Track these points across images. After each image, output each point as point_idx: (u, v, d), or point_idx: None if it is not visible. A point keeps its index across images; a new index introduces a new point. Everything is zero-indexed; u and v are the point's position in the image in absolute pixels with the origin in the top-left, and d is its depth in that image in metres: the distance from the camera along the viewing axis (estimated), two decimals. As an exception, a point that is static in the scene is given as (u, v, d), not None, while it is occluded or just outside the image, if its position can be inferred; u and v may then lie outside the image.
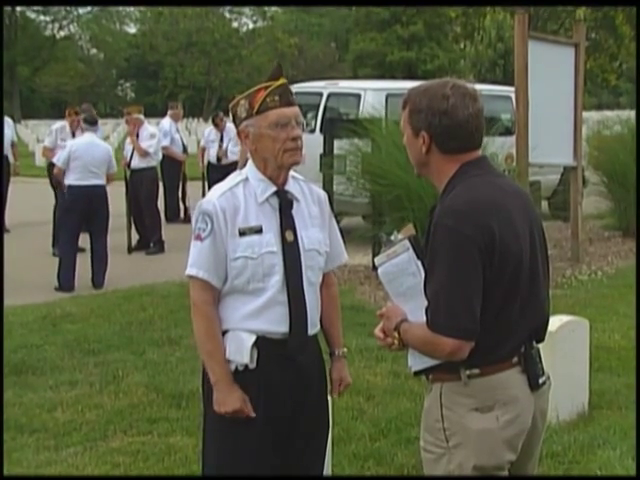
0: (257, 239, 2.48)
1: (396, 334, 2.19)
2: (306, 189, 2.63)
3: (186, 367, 5.18)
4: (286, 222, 2.52)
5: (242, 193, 2.51)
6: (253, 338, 2.48)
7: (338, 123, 9.00)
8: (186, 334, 5.69)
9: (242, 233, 2.47)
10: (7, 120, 10.10)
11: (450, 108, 2.15)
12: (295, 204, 2.55)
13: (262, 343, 2.49)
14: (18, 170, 10.98)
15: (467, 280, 2.07)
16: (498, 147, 7.64)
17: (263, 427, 2.50)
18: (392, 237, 2.24)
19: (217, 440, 2.57)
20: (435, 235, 2.11)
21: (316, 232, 2.58)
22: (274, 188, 2.52)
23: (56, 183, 8.68)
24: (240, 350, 2.48)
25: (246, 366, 2.49)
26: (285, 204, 2.53)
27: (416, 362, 2.24)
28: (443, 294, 2.08)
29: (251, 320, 2.50)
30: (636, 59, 22.73)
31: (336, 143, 8.61)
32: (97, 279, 7.84)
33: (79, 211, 7.82)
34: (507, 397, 2.17)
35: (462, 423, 2.15)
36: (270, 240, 2.49)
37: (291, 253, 2.50)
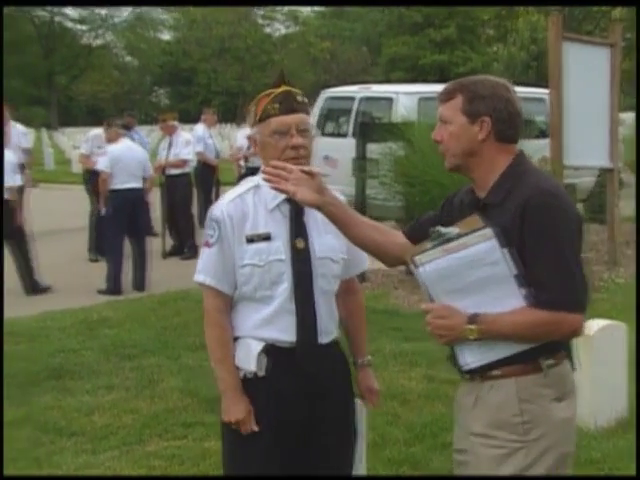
0: (265, 246, 2.44)
1: (472, 327, 2.14)
2: None
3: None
4: (297, 229, 2.47)
5: (252, 199, 2.49)
6: (261, 346, 2.46)
7: (371, 127, 9.00)
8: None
9: (250, 240, 2.44)
10: (21, 128, 10.09)
11: (512, 96, 2.24)
12: (307, 210, 2.46)
13: (271, 351, 2.46)
14: (33, 182, 10.66)
15: (579, 257, 2.16)
16: (532, 150, 7.56)
17: (272, 436, 2.46)
18: (446, 231, 2.18)
19: (228, 447, 2.57)
20: (537, 216, 2.11)
21: (330, 239, 2.50)
22: (285, 195, 2.42)
23: (96, 189, 8.77)
24: (248, 358, 2.46)
25: (255, 374, 2.46)
26: (296, 211, 2.47)
27: (476, 358, 2.19)
28: (565, 271, 2.10)
29: (261, 328, 2.47)
30: (636, 59, 22.30)
31: (369, 147, 8.60)
32: (140, 282, 7.98)
33: (124, 214, 7.95)
34: (572, 384, 2.25)
35: (546, 415, 2.16)
36: (279, 248, 2.45)
37: (301, 261, 2.45)
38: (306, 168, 2.27)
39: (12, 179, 7.74)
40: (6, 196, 7.67)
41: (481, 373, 2.21)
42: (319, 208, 2.28)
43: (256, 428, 2.45)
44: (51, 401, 4.84)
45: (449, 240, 2.16)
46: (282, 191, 2.27)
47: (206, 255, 2.48)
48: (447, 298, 2.19)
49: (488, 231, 2.13)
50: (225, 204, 2.48)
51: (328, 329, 2.52)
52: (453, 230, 2.18)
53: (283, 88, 2.48)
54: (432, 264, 2.17)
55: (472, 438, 2.22)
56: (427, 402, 4.69)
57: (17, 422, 4.52)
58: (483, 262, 2.13)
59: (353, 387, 2.66)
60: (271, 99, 2.47)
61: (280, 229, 2.46)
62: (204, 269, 2.48)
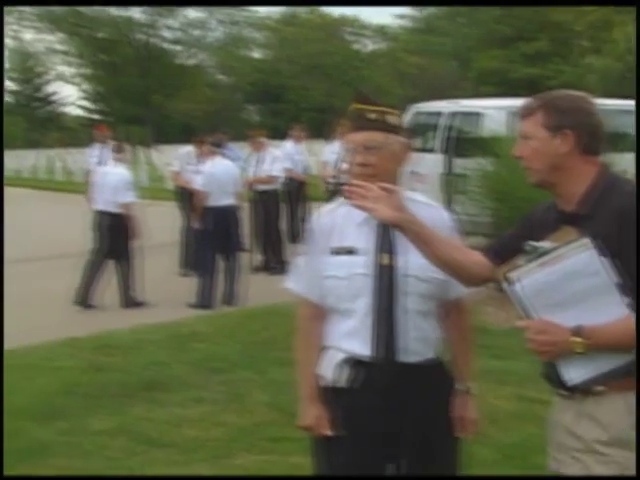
0: (348, 260, 2.48)
1: (578, 339, 2.09)
2: (423, 211, 2.50)
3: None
4: (383, 244, 2.47)
5: (343, 213, 2.54)
6: (341, 357, 2.49)
7: (459, 142, 8.93)
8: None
9: (335, 252, 2.50)
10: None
11: (593, 108, 2.21)
12: None
13: (351, 363, 2.48)
14: None
15: None
16: (627, 164, 7.35)
17: (349, 448, 2.49)
18: (540, 245, 2.14)
19: (312, 455, 2.64)
20: (636, 224, 2.09)
21: (420, 257, 2.41)
22: None
23: (188, 205, 8.99)
24: (329, 367, 2.52)
25: (335, 384, 2.50)
26: (384, 226, 2.45)
27: (580, 373, 2.13)
28: None
29: (343, 339, 2.51)
30: (636, 59, 21.57)
31: (457, 162, 8.53)
32: (229, 297, 8.13)
33: (217, 230, 8.12)
34: None
35: None
36: (362, 262, 2.46)
37: (383, 277, 2.45)
38: (385, 185, 2.28)
39: (127, 196, 8.05)
40: (121, 211, 8.00)
41: (583, 389, 2.15)
42: (397, 226, 2.27)
43: (328, 432, 2.50)
44: (143, 412, 4.96)
45: (544, 254, 2.12)
46: (361, 208, 2.28)
47: (299, 263, 2.62)
48: (546, 313, 2.13)
49: (586, 241, 2.09)
50: (320, 216, 2.59)
51: (414, 349, 2.48)
52: (547, 244, 2.14)
53: (355, 106, 2.51)
54: (529, 279, 2.13)
55: (578, 455, 2.16)
56: (517, 422, 4.60)
57: (111, 431, 4.65)
58: (583, 273, 2.10)
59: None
60: (347, 117, 2.54)
61: (367, 243, 2.48)
62: (294, 277, 2.64)
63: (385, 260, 2.46)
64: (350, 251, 2.48)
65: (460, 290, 2.57)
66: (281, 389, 5.27)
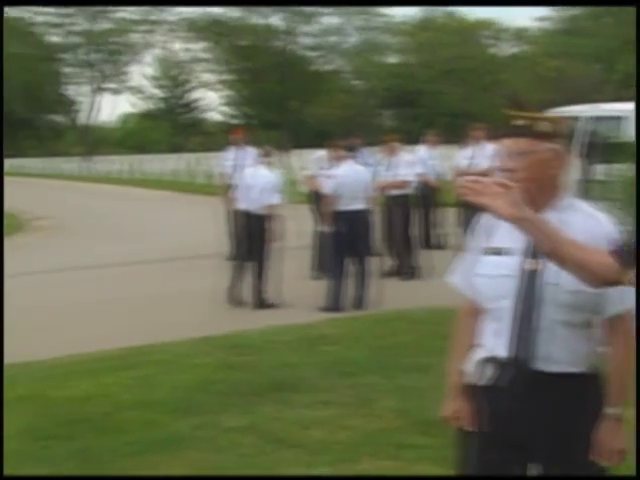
0: (497, 260, 2.48)
1: None
2: (578, 219, 2.43)
3: (437, 394, 5.15)
4: (529, 248, 2.43)
5: None
6: (484, 355, 2.52)
7: (598, 147, 8.62)
8: (437, 362, 5.67)
9: (488, 251, 2.52)
10: (252, 150, 10.63)
11: None
12: None
13: (493, 364, 2.49)
14: None
15: None
16: None
17: (480, 445, 2.53)
18: None
19: (454, 444, 2.69)
20: None
21: None
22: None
23: (320, 209, 9.12)
24: (471, 365, 2.56)
25: (476, 382, 2.54)
26: None
27: None
28: None
29: (489, 338, 2.53)
30: (636, 59, 20.29)
31: (596, 168, 8.24)
32: (359, 301, 8.19)
33: (347, 234, 8.21)
34: None
35: None
36: (508, 263, 2.46)
37: (526, 282, 2.42)
38: (502, 181, 2.27)
39: (273, 198, 8.31)
40: (266, 212, 8.25)
41: None
42: (515, 222, 2.25)
43: (463, 426, 2.57)
44: (273, 412, 5.06)
45: None
46: (479, 205, 2.26)
47: (461, 259, 2.68)
48: None
49: None
50: (483, 216, 2.60)
51: (558, 358, 2.41)
52: None
53: (507, 112, 2.50)
54: None
55: None
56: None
57: (242, 429, 4.78)
58: None
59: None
60: (496, 122, 2.61)
61: (515, 245, 2.47)
62: (455, 271, 2.70)
63: (529, 264, 2.43)
64: (498, 251, 2.49)
65: (619, 306, 2.41)
66: (409, 395, 5.26)
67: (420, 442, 4.47)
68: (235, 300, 8.45)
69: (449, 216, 11.61)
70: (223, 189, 11.43)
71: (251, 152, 11.14)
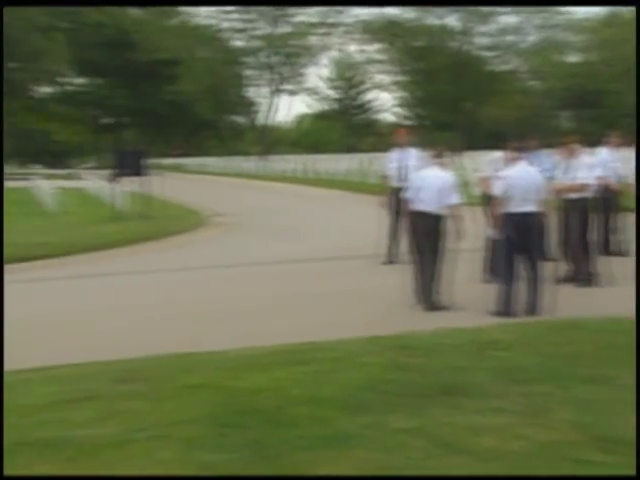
0: None
1: None
2: None
3: (618, 409, 4.91)
4: None
5: None
6: None
7: None
8: (618, 374, 5.42)
9: None
10: (415, 152, 10.55)
11: None
12: None
13: None
14: None
15: None
16: None
17: None
18: None
19: None
20: None
21: None
22: None
23: (492, 212, 8.94)
24: None
25: None
26: None
27: None
28: None
29: None
30: (636, 59, 19.65)
31: None
32: (531, 307, 7.96)
33: (518, 238, 8.00)
34: None
35: None
36: None
37: None
38: None
39: (453, 198, 8.37)
40: (446, 212, 8.23)
41: None
42: None
43: None
44: (442, 416, 4.99)
45: None
46: None
47: None
48: None
49: None
50: None
51: None
52: None
53: None
54: None
55: None
56: None
57: (411, 431, 4.73)
58: None
59: None
60: None
61: None
62: None
63: None
64: None
65: None
66: (586, 408, 5.02)
67: (599, 459, 4.25)
68: (427, 299, 8.37)
69: (631, 222, 11.01)
70: (386, 190, 11.46)
71: (415, 153, 11.09)
